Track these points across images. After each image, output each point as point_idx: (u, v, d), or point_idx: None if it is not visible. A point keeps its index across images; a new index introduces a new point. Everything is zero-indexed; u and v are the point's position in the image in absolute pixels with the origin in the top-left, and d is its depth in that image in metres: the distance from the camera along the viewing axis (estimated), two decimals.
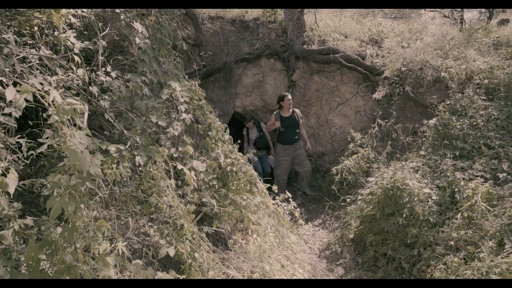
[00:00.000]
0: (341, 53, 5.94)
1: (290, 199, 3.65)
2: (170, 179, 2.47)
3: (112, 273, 1.67)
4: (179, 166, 2.43)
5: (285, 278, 2.55)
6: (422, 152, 4.38)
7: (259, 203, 2.88)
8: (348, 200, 4.56)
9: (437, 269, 3.00)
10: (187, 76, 3.39)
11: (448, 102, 4.72)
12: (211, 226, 2.55)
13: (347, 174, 4.91)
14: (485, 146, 4.07)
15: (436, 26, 6.46)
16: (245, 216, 2.71)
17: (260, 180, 3.05)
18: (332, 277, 3.60)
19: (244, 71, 6.46)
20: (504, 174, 3.65)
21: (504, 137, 4.15)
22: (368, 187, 4.05)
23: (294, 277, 2.71)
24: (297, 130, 5.48)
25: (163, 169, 2.40)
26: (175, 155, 2.61)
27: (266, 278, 2.36)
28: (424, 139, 4.66)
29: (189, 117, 2.75)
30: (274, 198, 3.73)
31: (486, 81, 4.84)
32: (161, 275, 1.93)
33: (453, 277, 2.67)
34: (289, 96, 5.39)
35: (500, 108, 4.46)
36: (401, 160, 4.55)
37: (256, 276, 2.25)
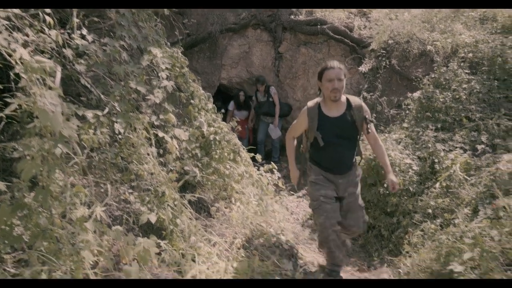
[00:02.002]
0: (329, 24, 5.83)
1: (275, 170, 3.66)
2: (151, 147, 2.43)
3: (91, 238, 1.65)
4: (161, 134, 2.38)
5: (266, 244, 2.59)
6: (405, 125, 4.43)
7: (242, 172, 2.88)
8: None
9: (414, 235, 3.10)
10: (169, 44, 3.27)
11: (433, 76, 4.73)
12: (194, 194, 2.54)
13: None
14: (466, 118, 4.14)
15: None
16: (228, 185, 2.71)
17: (244, 149, 3.04)
18: (314, 245, 3.69)
19: (230, 41, 6.30)
20: (483, 146, 3.73)
21: (485, 110, 4.21)
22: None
23: (277, 243, 2.76)
24: (353, 145, 2.70)
25: (143, 136, 2.35)
26: (156, 123, 2.55)
27: (249, 243, 2.39)
28: (407, 112, 4.70)
29: (171, 85, 2.67)
30: (258, 169, 3.74)
31: (470, 54, 4.84)
32: (141, 240, 1.93)
33: (430, 242, 2.76)
34: (335, 68, 2.53)
35: (483, 82, 4.49)
36: (385, 132, 4.60)
37: (238, 241, 2.28)
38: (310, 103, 2.69)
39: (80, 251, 1.53)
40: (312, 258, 2.99)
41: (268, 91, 5.94)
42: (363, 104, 2.68)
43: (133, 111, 2.40)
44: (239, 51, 6.30)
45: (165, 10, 3.35)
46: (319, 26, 5.79)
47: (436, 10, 5.86)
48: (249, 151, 3.31)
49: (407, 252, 3.01)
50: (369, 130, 2.66)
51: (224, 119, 3.11)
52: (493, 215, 2.64)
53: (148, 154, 2.26)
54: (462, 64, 4.77)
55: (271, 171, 3.59)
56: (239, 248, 2.27)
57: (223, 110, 3.16)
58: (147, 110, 2.62)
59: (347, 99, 2.68)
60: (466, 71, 4.64)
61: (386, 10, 5.96)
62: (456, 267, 2.26)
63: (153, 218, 2.05)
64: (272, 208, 3.07)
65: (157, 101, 2.54)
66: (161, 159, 2.51)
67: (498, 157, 3.47)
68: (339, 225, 2.62)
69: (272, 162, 4.11)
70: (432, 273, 2.47)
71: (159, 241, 2.00)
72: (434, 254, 2.53)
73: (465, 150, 3.73)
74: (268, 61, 6.30)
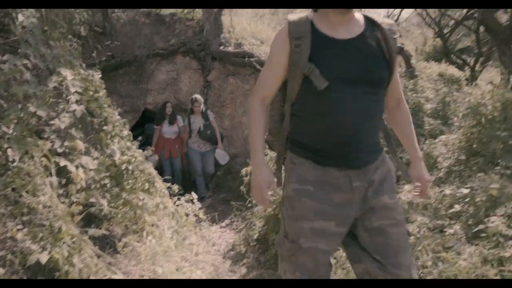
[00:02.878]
0: (256, 57, 6.09)
1: (195, 200, 3.58)
2: (51, 176, 2.20)
3: None
4: (62, 163, 2.18)
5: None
6: None
7: (158, 203, 2.75)
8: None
9: None
10: (84, 65, 3.09)
11: None
12: (100, 229, 2.34)
13: None
14: None
15: None
16: (140, 217, 2.55)
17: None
18: (234, 277, 3.62)
19: (158, 66, 6.20)
20: None
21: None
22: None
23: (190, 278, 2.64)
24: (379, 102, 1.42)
25: (42, 165, 2.13)
26: (60, 150, 2.34)
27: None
28: None
29: (80, 109, 2.50)
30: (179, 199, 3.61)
31: None
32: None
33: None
34: None
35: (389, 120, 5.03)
36: None
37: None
38: (293, 16, 1.39)
39: None
40: None
41: (206, 114, 5.44)
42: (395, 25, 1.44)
43: (31, 136, 2.18)
44: (167, 77, 6.22)
45: (82, 30, 3.19)
46: (246, 59, 6.02)
47: None
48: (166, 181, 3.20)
49: None
50: (394, 76, 1.43)
51: (142, 146, 2.98)
52: None
53: (45, 185, 2.04)
54: None
55: (191, 201, 3.50)
56: None
57: (140, 138, 3.03)
58: (50, 136, 2.40)
59: (365, 17, 1.42)
60: None
61: None
62: None
63: (43, 258, 1.83)
64: (189, 241, 2.97)
65: (62, 126, 2.34)
66: (62, 190, 2.29)
67: (401, 187, 3.84)
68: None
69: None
70: None
71: None
72: None
73: None
74: (196, 89, 6.30)
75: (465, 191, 2.90)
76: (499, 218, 2.35)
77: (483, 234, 2.38)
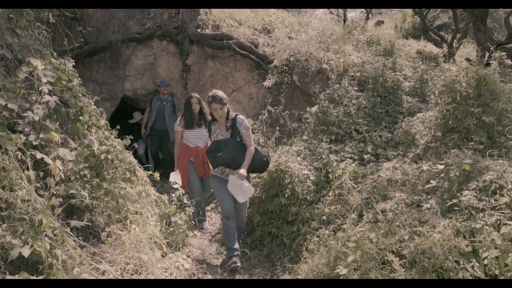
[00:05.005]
0: (235, 39, 6.00)
1: (178, 184, 3.58)
2: (28, 170, 2.16)
3: None
4: (39, 155, 2.14)
5: (166, 266, 2.50)
6: (304, 137, 4.76)
7: (140, 191, 2.74)
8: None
9: (311, 242, 3.32)
10: (55, 53, 2.98)
11: (328, 92, 5.20)
12: (82, 220, 2.33)
13: None
14: (355, 131, 4.62)
15: (318, 21, 7.01)
16: (123, 206, 2.55)
17: (141, 167, 2.90)
18: (220, 259, 3.69)
19: (134, 51, 6.04)
20: (368, 155, 4.21)
21: (370, 123, 4.77)
22: None
23: (177, 264, 2.68)
24: None
25: (17, 159, 2.08)
26: (35, 143, 2.29)
27: (144, 267, 2.28)
28: (307, 125, 5.06)
29: (54, 100, 2.43)
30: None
31: (358, 73, 5.46)
32: (9, 278, 1.69)
33: (322, 248, 2.97)
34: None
35: (369, 98, 5.09)
36: (287, 144, 4.87)
37: (130, 267, 2.15)
38: None
39: None
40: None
41: (234, 120, 3.41)
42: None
43: (3, 130, 2.12)
44: (144, 62, 6.07)
45: (50, 16, 3.06)
46: (225, 41, 5.92)
47: (330, 32, 6.48)
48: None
49: (305, 258, 3.20)
50: None
51: (119, 135, 2.93)
52: (373, 219, 2.97)
53: (22, 179, 2.00)
54: (352, 82, 5.34)
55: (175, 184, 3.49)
56: (132, 275, 2.14)
57: (118, 127, 2.97)
58: (24, 129, 2.33)
59: None
60: (355, 88, 5.21)
61: (287, 29, 6.38)
62: (342, 270, 2.48)
63: (26, 252, 1.82)
64: (172, 227, 2.98)
65: (36, 118, 2.28)
66: (41, 183, 2.25)
67: (380, 165, 3.94)
68: None
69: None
70: (324, 278, 2.66)
71: (32, 277, 1.78)
72: (325, 259, 2.73)
73: (354, 160, 4.16)
74: (175, 73, 6.19)
75: (441, 167, 3.00)
76: (470, 191, 2.45)
77: (456, 208, 2.49)
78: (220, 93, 3.33)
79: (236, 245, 3.32)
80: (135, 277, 2.16)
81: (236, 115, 3.45)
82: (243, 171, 3.22)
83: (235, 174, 3.24)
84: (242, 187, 3.17)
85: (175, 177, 4.12)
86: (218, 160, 3.23)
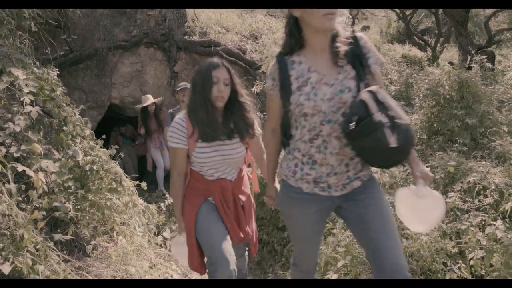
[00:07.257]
0: (223, 46, 6.01)
1: (167, 195, 3.54)
2: (9, 183, 2.10)
3: None
4: (20, 168, 2.09)
5: (154, 277, 2.46)
6: None
7: (126, 202, 2.70)
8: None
9: None
10: (37, 63, 2.93)
11: None
12: (67, 233, 2.28)
13: None
14: None
15: None
16: (109, 218, 2.50)
17: (127, 177, 2.86)
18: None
19: (121, 59, 5.99)
20: None
21: None
22: None
23: (166, 275, 2.64)
24: None
25: None
26: (16, 155, 2.23)
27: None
28: None
29: (36, 110, 2.38)
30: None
31: None
32: None
33: None
34: None
35: None
36: None
37: None
38: None
39: None
40: None
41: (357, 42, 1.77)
42: None
43: None
44: (131, 70, 6.03)
45: (32, 25, 3.01)
46: (213, 48, 5.92)
47: None
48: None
49: None
50: None
51: (105, 145, 2.88)
52: None
53: (1, 193, 1.95)
54: None
55: (163, 197, 3.46)
56: None
57: (104, 136, 2.93)
58: (5, 140, 2.28)
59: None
60: None
61: (275, 36, 6.42)
62: (332, 276, 2.47)
63: (6, 269, 1.76)
64: (161, 238, 2.94)
65: (17, 129, 2.23)
66: (23, 197, 2.19)
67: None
68: None
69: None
70: None
71: None
72: None
73: None
74: (163, 80, 6.16)
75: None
76: (456, 193, 2.49)
77: None
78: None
79: None
80: None
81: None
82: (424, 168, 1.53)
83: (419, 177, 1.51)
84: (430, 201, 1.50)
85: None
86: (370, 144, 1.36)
